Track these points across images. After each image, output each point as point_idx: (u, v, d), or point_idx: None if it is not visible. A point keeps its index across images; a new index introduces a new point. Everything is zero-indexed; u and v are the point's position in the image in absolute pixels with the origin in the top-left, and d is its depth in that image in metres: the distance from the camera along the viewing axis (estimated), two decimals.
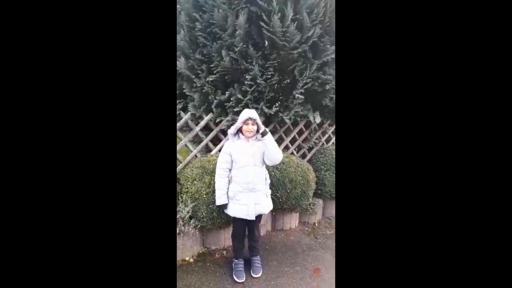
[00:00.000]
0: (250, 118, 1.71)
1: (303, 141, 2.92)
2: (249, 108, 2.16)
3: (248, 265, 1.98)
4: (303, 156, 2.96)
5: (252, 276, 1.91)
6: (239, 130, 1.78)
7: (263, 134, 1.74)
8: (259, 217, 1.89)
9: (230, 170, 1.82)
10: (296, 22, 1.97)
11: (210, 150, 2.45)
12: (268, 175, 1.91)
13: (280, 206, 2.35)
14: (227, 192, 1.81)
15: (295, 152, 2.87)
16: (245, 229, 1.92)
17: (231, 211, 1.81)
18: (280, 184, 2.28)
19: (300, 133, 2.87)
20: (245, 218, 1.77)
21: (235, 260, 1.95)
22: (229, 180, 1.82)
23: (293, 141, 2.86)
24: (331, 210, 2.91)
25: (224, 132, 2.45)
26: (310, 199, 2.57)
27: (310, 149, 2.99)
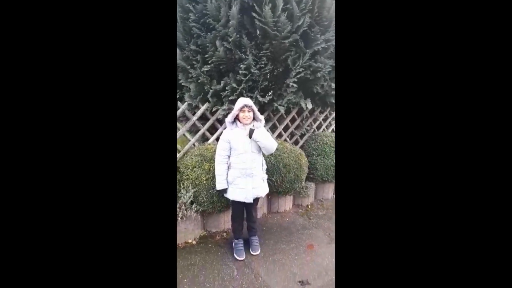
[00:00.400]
0: (246, 105, 1.80)
1: (296, 128, 3.05)
2: (244, 96, 2.25)
3: (247, 245, 2.13)
4: (296, 142, 3.09)
5: (251, 254, 2.07)
6: (236, 118, 1.88)
7: (250, 134, 1.81)
8: (256, 200, 2.02)
9: (228, 157, 1.92)
10: (286, 12, 2.03)
11: (207, 139, 2.54)
12: (264, 161, 2.03)
13: (276, 190, 2.50)
14: (227, 177, 1.93)
15: (288, 139, 3.00)
16: (243, 211, 2.05)
17: (231, 195, 1.93)
18: (275, 169, 2.42)
19: (292, 120, 2.98)
20: (243, 201, 1.90)
21: (235, 241, 2.10)
22: (228, 166, 1.93)
23: (286, 128, 2.98)
24: (323, 193, 3.09)
25: (220, 121, 2.54)
26: (303, 182, 2.73)
27: (302, 135, 3.12)
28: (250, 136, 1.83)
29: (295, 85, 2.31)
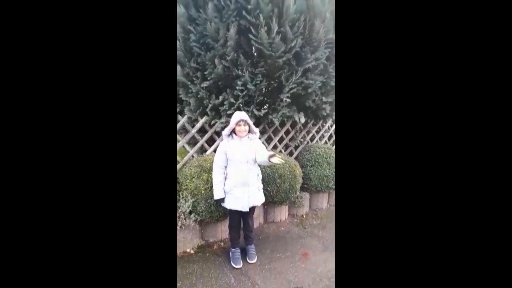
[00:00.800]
0: (242, 120, 1.93)
1: (290, 140, 3.18)
2: (240, 110, 2.39)
3: (244, 254, 2.19)
4: (290, 153, 3.22)
5: (248, 262, 2.12)
6: (233, 131, 2.00)
7: (270, 157, 1.74)
8: (252, 209, 2.10)
9: (225, 167, 2.03)
10: (280, 34, 2.22)
11: (206, 150, 2.65)
12: (260, 171, 2.14)
13: (271, 200, 2.59)
14: (224, 187, 2.02)
15: (283, 150, 3.13)
16: (240, 220, 2.13)
17: (228, 204, 2.02)
18: (271, 179, 2.52)
19: (287, 133, 3.13)
20: (240, 210, 1.99)
21: (232, 249, 2.16)
22: (225, 177, 2.03)
23: (281, 140, 3.11)
24: (317, 203, 3.18)
25: (218, 134, 2.66)
26: (298, 192, 2.83)
27: (296, 147, 3.25)
28: (269, 158, 1.80)
29: (288, 99, 2.47)
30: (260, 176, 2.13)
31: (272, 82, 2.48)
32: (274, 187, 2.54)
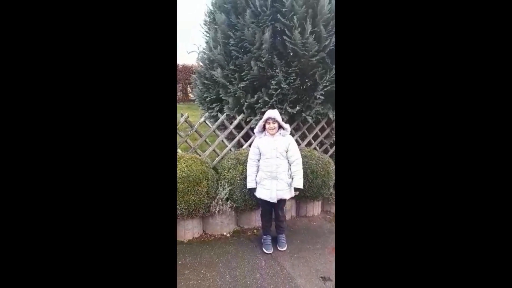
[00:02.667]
0: (270, 118, 2.10)
1: (325, 137, 3.20)
2: (274, 108, 2.54)
3: (275, 242, 2.34)
4: (325, 151, 3.24)
5: (278, 249, 2.28)
6: (264, 128, 2.17)
7: (298, 188, 2.17)
8: (281, 201, 2.23)
9: (258, 161, 2.21)
10: (314, 34, 2.30)
11: (242, 145, 2.88)
12: (290, 167, 2.26)
13: (303, 194, 2.68)
14: (255, 178, 2.21)
15: (317, 148, 3.17)
16: (271, 210, 2.29)
17: (258, 194, 2.20)
18: (303, 174, 2.61)
19: (321, 130, 3.15)
20: (268, 200, 2.15)
21: (264, 236, 2.33)
22: (257, 169, 2.22)
23: (315, 137, 3.15)
24: None
25: (253, 130, 2.86)
26: (331, 189, 2.85)
27: (331, 144, 3.25)
28: (296, 191, 2.21)
29: (322, 97, 2.52)
30: (290, 172, 2.25)
31: (306, 80, 2.56)
32: (306, 182, 2.62)
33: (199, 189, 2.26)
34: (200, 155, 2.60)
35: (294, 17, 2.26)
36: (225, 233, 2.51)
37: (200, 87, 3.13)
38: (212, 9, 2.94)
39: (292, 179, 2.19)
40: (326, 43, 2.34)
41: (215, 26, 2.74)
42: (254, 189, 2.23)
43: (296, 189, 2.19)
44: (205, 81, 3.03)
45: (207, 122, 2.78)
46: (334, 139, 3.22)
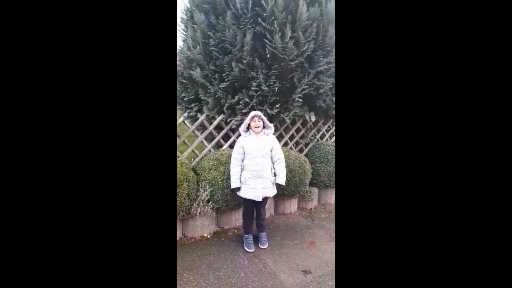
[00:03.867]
0: (256, 115, 2.16)
1: (301, 137, 3.36)
2: (255, 110, 2.60)
3: (256, 240, 2.40)
4: (301, 150, 3.39)
5: (260, 247, 2.33)
6: (249, 127, 2.22)
7: (280, 184, 2.28)
8: (265, 199, 2.31)
9: (242, 160, 2.25)
10: (293, 39, 2.40)
11: (222, 146, 2.88)
12: (273, 166, 2.34)
13: (282, 192, 2.78)
14: (240, 177, 2.24)
15: (293, 147, 3.31)
16: (253, 209, 2.34)
17: (243, 193, 2.24)
18: None
19: (297, 131, 3.30)
20: (253, 199, 2.20)
21: (245, 235, 2.37)
22: (241, 168, 2.25)
23: (291, 138, 3.29)
24: (326, 198, 3.34)
25: (233, 130, 2.88)
26: (307, 186, 3.00)
27: (306, 144, 3.42)
28: (282, 184, 2.30)
29: (300, 100, 2.65)
30: (273, 170, 2.34)
31: (284, 83, 2.66)
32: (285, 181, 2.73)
33: (180, 192, 2.21)
34: (178, 156, 2.54)
35: (275, 21, 2.34)
36: (205, 235, 2.49)
37: (177, 86, 3.04)
38: (189, 7, 2.88)
39: (276, 176, 2.28)
40: (304, 48, 2.46)
41: (194, 25, 2.70)
42: (237, 189, 2.25)
43: (278, 185, 2.28)
44: (183, 81, 2.96)
45: (185, 122, 2.72)
46: (309, 139, 3.40)
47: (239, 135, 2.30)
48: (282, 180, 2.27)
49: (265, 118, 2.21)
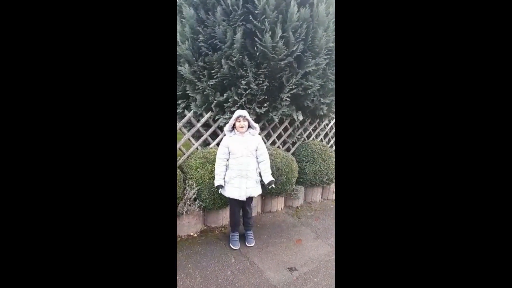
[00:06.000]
0: (241, 116, 2.14)
1: (288, 136, 3.39)
2: (243, 108, 2.59)
3: (243, 238, 2.41)
4: (288, 149, 3.43)
5: (246, 246, 2.34)
6: (233, 127, 2.20)
7: (269, 184, 2.27)
8: (250, 198, 2.31)
9: (227, 160, 2.23)
10: (284, 39, 2.41)
11: (209, 143, 2.84)
12: (258, 165, 2.35)
13: (268, 191, 2.80)
14: (224, 177, 2.23)
15: (280, 146, 3.34)
16: (239, 207, 2.34)
17: (227, 193, 2.23)
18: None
19: (285, 130, 3.33)
20: (238, 198, 2.20)
21: (232, 233, 2.38)
22: (226, 168, 2.23)
23: (279, 136, 3.32)
24: (312, 196, 3.41)
25: (221, 128, 2.86)
26: (294, 185, 3.05)
27: (293, 143, 3.46)
28: (269, 185, 2.29)
29: (288, 99, 2.67)
30: (259, 170, 2.34)
31: (273, 82, 2.67)
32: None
33: None
34: None
35: (266, 20, 2.33)
36: (192, 233, 2.46)
37: None
38: (178, 1, 2.80)
39: (261, 177, 2.29)
40: (294, 48, 2.48)
41: (182, 20, 2.63)
42: (221, 187, 2.24)
43: (269, 183, 2.26)
44: None
45: None
46: (296, 138, 3.44)
47: (226, 134, 2.28)
48: (269, 178, 2.27)
49: (250, 118, 2.20)
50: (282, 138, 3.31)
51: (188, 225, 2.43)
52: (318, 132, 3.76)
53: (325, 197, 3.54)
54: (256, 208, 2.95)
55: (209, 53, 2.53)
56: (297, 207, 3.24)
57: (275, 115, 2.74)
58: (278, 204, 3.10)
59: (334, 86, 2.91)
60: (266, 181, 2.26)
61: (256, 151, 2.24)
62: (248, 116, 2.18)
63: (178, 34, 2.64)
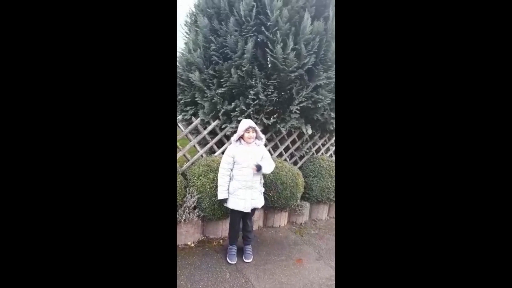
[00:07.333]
0: (251, 127, 2.09)
1: (296, 150, 3.30)
2: (251, 118, 2.55)
3: (241, 253, 2.31)
4: (295, 163, 3.33)
5: (244, 261, 2.24)
6: (241, 137, 2.16)
7: (258, 168, 2.09)
8: (253, 210, 2.23)
9: (231, 170, 2.18)
10: (295, 51, 2.38)
11: (214, 152, 2.81)
12: (262, 176, 2.28)
13: (272, 205, 2.70)
14: (228, 188, 2.16)
15: (287, 159, 3.25)
16: (240, 220, 2.26)
17: (231, 204, 2.15)
18: (273, 185, 2.64)
19: (293, 142, 3.25)
20: (242, 210, 2.12)
21: (230, 246, 2.28)
22: (230, 178, 2.18)
23: (286, 149, 3.24)
24: (317, 213, 3.26)
25: (227, 137, 2.83)
26: (298, 200, 2.93)
27: (301, 157, 3.37)
28: (258, 170, 2.11)
29: (297, 111, 2.61)
30: (263, 181, 2.27)
31: (283, 94, 2.63)
32: (276, 193, 2.66)
33: None
34: None
35: (278, 31, 2.32)
36: (189, 243, 2.40)
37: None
38: (194, 11, 2.88)
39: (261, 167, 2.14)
40: (305, 61, 2.44)
41: (196, 29, 2.68)
42: (225, 200, 2.17)
43: (258, 166, 2.10)
44: (181, 83, 2.92)
45: (179, 125, 2.66)
46: (304, 152, 3.35)
47: (231, 143, 2.23)
48: (269, 168, 2.16)
49: (258, 129, 2.15)
50: (290, 151, 3.23)
51: (186, 234, 2.37)
52: (328, 147, 3.65)
53: (331, 215, 3.38)
54: (257, 222, 2.85)
55: (220, 61, 2.54)
56: (301, 224, 3.10)
57: (283, 127, 2.68)
58: (281, 219, 2.98)
59: None
60: (262, 166, 2.11)
61: (261, 160, 2.18)
62: (256, 127, 2.14)
63: (191, 42, 2.69)
